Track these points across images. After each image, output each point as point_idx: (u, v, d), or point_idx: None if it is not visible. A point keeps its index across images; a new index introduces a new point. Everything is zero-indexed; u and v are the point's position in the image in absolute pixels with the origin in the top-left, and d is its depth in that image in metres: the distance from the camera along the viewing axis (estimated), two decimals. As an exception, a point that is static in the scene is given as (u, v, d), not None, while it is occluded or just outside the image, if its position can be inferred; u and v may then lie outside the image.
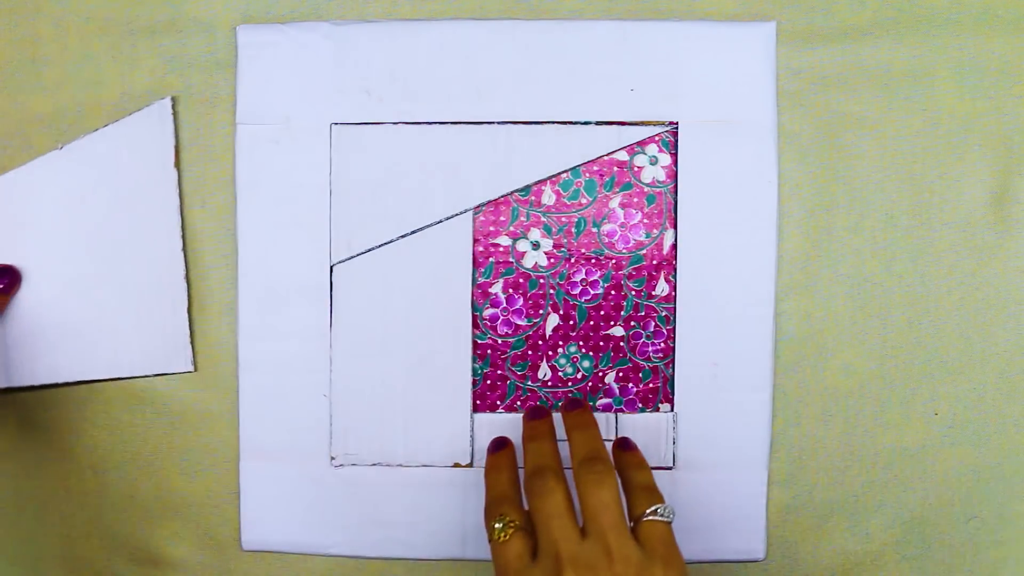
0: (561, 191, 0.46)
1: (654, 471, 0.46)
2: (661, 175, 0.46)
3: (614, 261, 0.46)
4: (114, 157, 0.46)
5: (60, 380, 0.47)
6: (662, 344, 0.46)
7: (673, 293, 0.46)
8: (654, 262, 0.46)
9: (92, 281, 0.46)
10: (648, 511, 0.38)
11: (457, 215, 0.46)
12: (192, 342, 0.46)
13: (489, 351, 0.46)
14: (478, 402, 0.46)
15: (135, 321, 0.46)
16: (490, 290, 0.46)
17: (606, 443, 0.42)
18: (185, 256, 0.46)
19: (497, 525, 0.38)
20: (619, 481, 0.39)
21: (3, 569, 0.48)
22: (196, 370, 0.47)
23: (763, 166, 0.46)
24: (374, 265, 0.46)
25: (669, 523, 0.38)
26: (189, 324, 0.46)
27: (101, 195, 0.46)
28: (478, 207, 0.46)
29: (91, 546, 0.48)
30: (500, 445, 0.44)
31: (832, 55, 0.46)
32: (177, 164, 0.46)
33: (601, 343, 0.46)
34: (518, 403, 0.46)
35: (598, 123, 0.46)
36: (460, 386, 0.46)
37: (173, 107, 0.46)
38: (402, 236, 0.46)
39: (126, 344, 0.47)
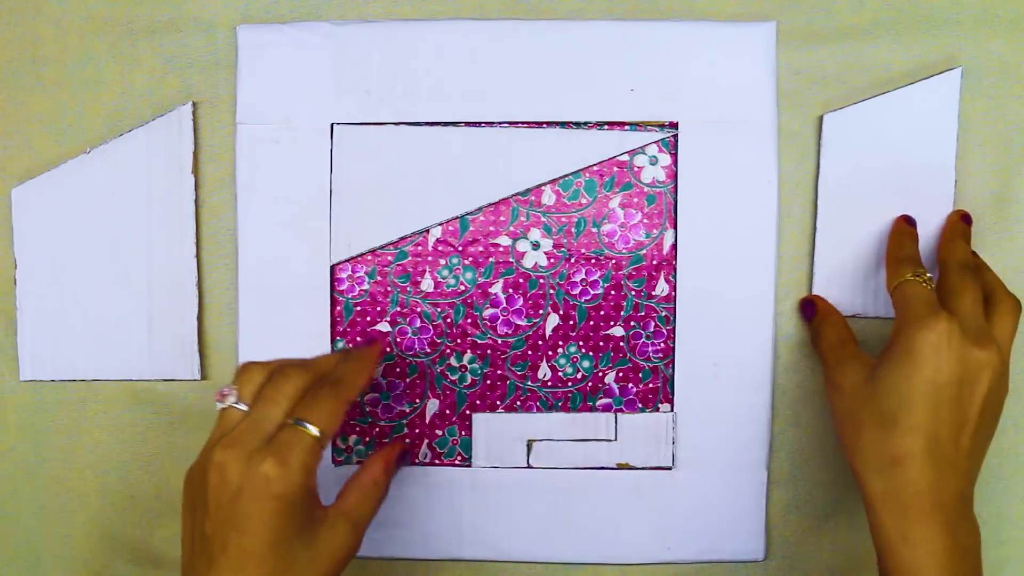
0: (561, 191, 0.46)
1: (654, 471, 0.46)
2: (661, 175, 0.46)
3: (614, 261, 0.46)
4: (135, 162, 0.46)
5: (67, 377, 0.47)
6: (662, 344, 0.46)
7: (673, 293, 0.46)
8: (654, 262, 0.46)
9: (106, 283, 0.47)
10: None
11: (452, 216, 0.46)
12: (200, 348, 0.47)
13: (489, 351, 0.46)
14: (478, 402, 0.46)
15: (146, 325, 0.46)
16: (490, 290, 0.46)
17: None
18: (199, 262, 0.46)
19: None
20: None
21: (3, 569, 0.48)
22: (203, 379, 0.47)
23: (763, 166, 0.45)
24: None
25: None
26: (198, 333, 0.46)
27: (121, 198, 0.46)
28: (478, 208, 0.46)
29: (91, 546, 0.48)
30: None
31: (832, 55, 0.46)
32: (195, 170, 0.46)
33: (601, 343, 0.46)
34: (518, 403, 0.46)
35: (598, 124, 0.46)
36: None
37: (193, 113, 0.46)
38: (402, 236, 0.46)
39: (136, 348, 0.47)
